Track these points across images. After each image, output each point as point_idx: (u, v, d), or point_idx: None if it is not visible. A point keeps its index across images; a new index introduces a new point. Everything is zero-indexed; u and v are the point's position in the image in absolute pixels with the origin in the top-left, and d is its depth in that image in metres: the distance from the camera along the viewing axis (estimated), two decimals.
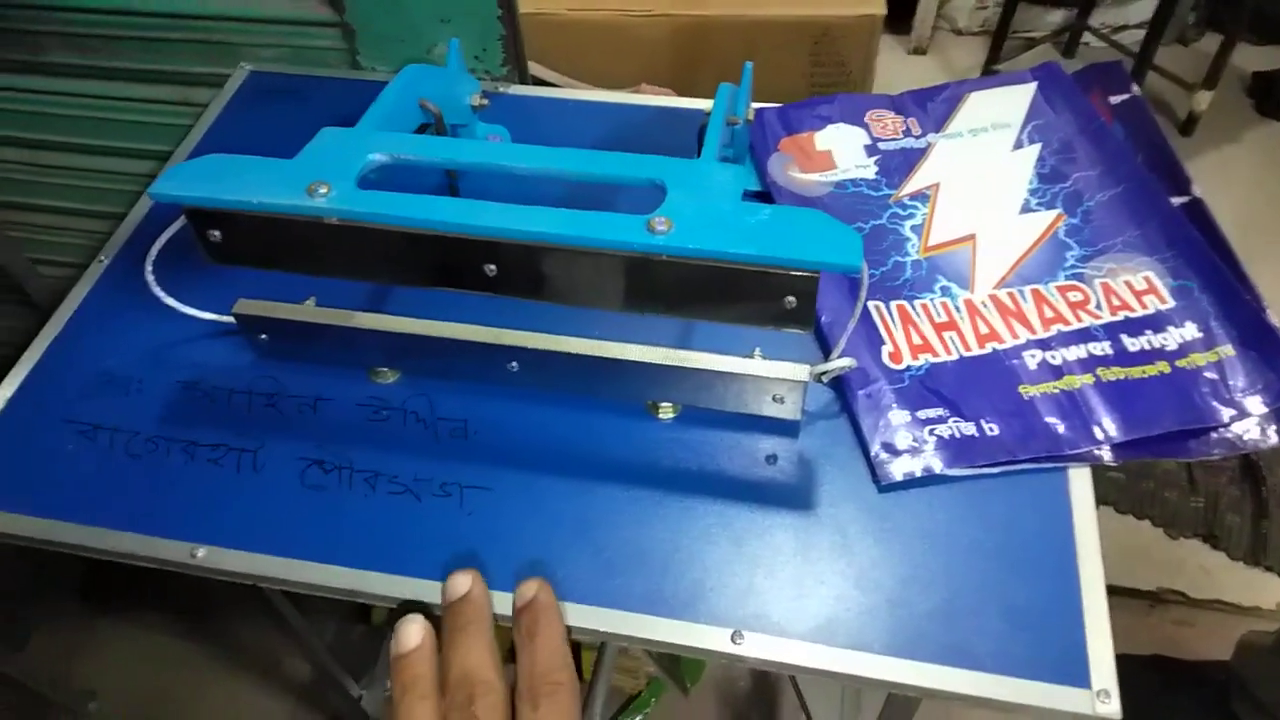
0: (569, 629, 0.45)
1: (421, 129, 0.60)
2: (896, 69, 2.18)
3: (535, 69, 0.81)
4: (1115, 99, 0.65)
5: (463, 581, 0.40)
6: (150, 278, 0.54)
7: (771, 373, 0.49)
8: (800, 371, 0.49)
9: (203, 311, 0.56)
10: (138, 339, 0.58)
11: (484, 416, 0.54)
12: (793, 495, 0.50)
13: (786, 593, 0.46)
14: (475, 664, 0.35)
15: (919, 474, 0.49)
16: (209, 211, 0.47)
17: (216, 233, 0.49)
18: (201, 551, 0.49)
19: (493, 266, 0.47)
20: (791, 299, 0.44)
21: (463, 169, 0.49)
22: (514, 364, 0.52)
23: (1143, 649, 1.17)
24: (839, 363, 0.51)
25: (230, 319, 0.54)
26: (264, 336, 0.55)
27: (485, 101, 0.65)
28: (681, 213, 0.44)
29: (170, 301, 0.55)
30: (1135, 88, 0.65)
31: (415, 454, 0.52)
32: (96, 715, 1.23)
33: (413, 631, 0.38)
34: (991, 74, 1.79)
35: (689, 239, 0.43)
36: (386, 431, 0.53)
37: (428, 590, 0.47)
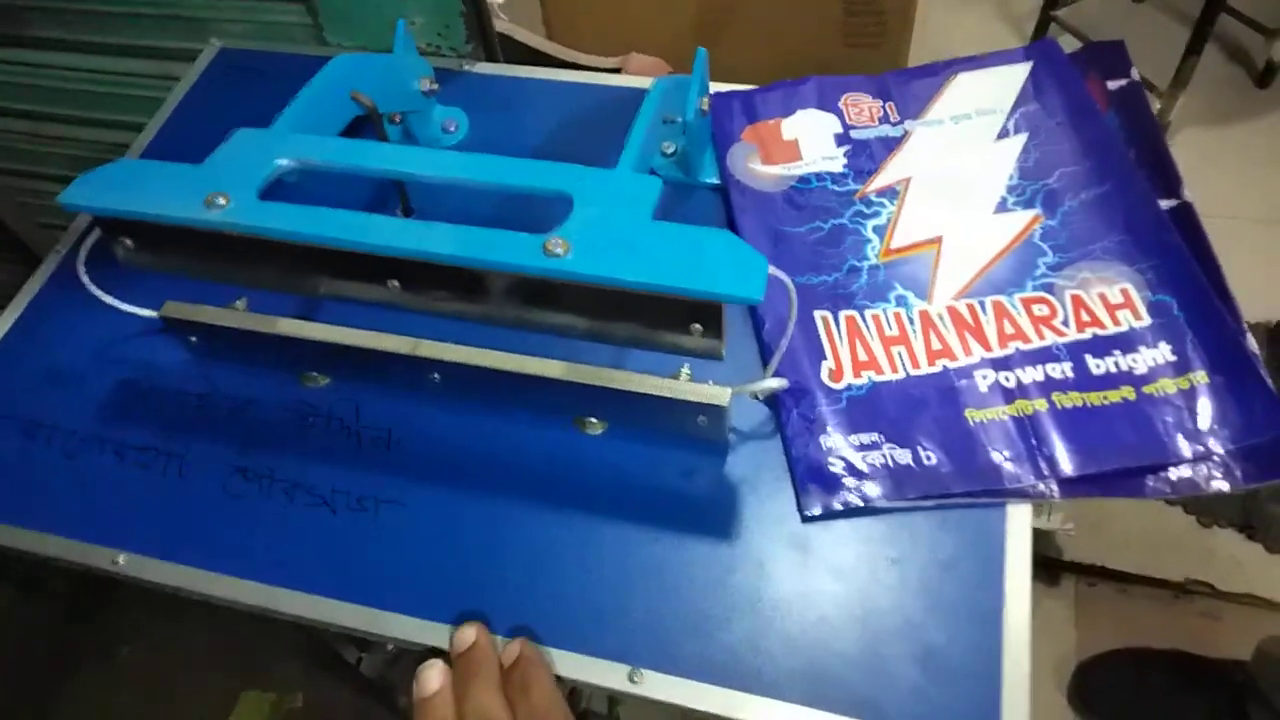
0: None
1: (360, 121, 0.58)
2: (941, 19, 2.05)
3: (511, 29, 0.77)
4: (1114, 84, 0.60)
5: (469, 633, 0.43)
6: (85, 277, 0.54)
7: (692, 395, 0.46)
8: (721, 395, 0.46)
9: (139, 308, 0.55)
10: (85, 334, 0.59)
11: (408, 425, 0.53)
12: (713, 521, 0.48)
13: (693, 627, 0.45)
14: (487, 704, 0.40)
15: (844, 506, 0.47)
16: (114, 220, 0.46)
17: (128, 240, 0.48)
18: (122, 558, 0.50)
19: (395, 282, 0.45)
20: (698, 325, 0.42)
21: (366, 174, 0.47)
22: (436, 375, 0.51)
23: (1164, 642, 1.13)
24: (769, 383, 0.48)
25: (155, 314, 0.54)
26: (193, 339, 0.54)
27: (435, 86, 0.63)
28: (581, 233, 0.42)
29: (109, 300, 0.55)
30: (1136, 72, 0.59)
31: (336, 463, 0.52)
32: (128, 659, 1.29)
33: (433, 676, 0.42)
34: (1048, 20, 1.69)
35: (584, 263, 0.41)
36: (311, 438, 0.53)
37: (336, 611, 0.47)
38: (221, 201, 0.44)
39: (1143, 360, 0.50)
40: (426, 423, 0.53)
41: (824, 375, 0.51)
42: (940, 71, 0.64)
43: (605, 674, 0.44)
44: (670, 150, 0.62)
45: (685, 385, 0.47)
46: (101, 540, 0.50)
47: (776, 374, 0.49)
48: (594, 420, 0.51)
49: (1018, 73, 0.63)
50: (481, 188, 0.46)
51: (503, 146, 0.65)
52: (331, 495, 0.50)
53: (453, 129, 0.66)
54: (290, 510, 0.50)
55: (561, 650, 0.44)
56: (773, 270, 0.41)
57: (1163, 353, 0.50)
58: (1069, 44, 1.68)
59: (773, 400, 0.51)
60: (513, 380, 0.49)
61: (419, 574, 0.47)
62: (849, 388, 0.50)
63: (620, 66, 0.85)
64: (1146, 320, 0.51)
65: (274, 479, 0.51)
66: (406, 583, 0.47)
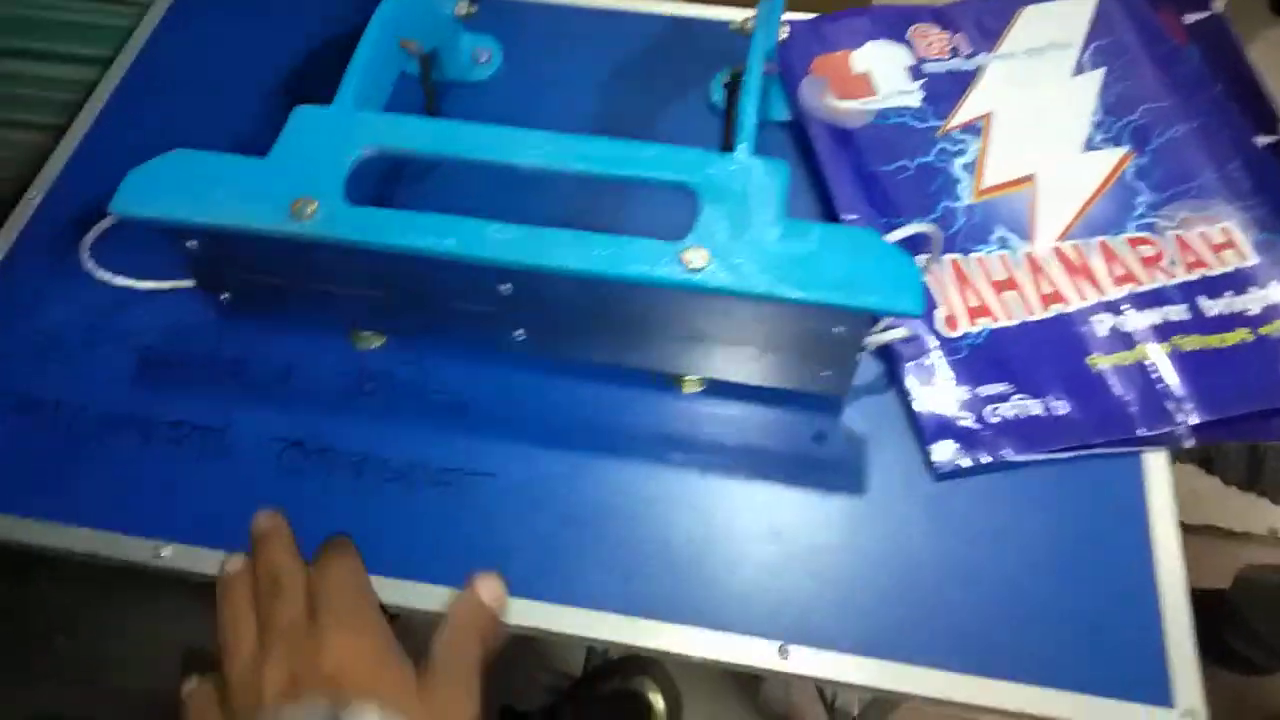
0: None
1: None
2: None
3: None
4: (1190, 18, 0.58)
5: (261, 518, 0.39)
6: (90, 264, 0.46)
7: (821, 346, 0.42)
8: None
9: (145, 281, 0.48)
10: (79, 293, 0.50)
11: (484, 388, 0.47)
12: (838, 484, 0.44)
13: (834, 598, 0.41)
14: (276, 560, 0.36)
15: (981, 463, 0.44)
16: (182, 227, 0.40)
17: (193, 242, 0.42)
18: (167, 550, 0.43)
19: (508, 285, 0.41)
20: (840, 329, 0.39)
21: (461, 162, 0.41)
22: (520, 332, 0.45)
23: None
24: (892, 333, 0.45)
25: (187, 284, 0.47)
26: (225, 296, 0.47)
27: (473, 9, 0.56)
28: (717, 240, 0.38)
29: (120, 281, 0.47)
30: (1217, 3, 0.57)
31: (408, 433, 0.46)
32: (64, 649, 1.19)
33: (235, 560, 0.38)
34: None
35: (727, 278, 0.37)
36: (373, 406, 0.47)
37: (425, 595, 0.42)
38: (310, 210, 0.39)
39: (1256, 300, 0.48)
40: (505, 384, 0.47)
41: (940, 323, 0.48)
42: (1006, 4, 0.61)
43: (751, 650, 0.40)
44: (729, 85, 0.57)
45: None
46: (139, 530, 0.43)
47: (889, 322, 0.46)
48: (693, 378, 0.47)
49: (1086, 5, 0.60)
50: (594, 178, 0.41)
51: (544, 81, 0.59)
52: (408, 469, 0.45)
53: (485, 59, 0.59)
54: (360, 487, 0.44)
55: (702, 629, 0.41)
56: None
57: (1275, 292, 0.48)
58: None
59: (884, 352, 0.47)
60: (611, 333, 0.44)
61: (519, 552, 0.43)
62: (966, 336, 0.47)
63: None
64: (1253, 259, 0.49)
65: (336, 451, 0.45)
66: (506, 562, 0.42)
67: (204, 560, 0.43)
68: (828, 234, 0.38)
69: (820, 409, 0.46)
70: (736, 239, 0.38)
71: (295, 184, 0.40)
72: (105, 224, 0.46)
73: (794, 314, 0.39)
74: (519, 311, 0.43)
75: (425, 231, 0.39)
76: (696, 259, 0.37)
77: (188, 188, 0.40)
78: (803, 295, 0.37)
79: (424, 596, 0.42)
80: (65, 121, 0.60)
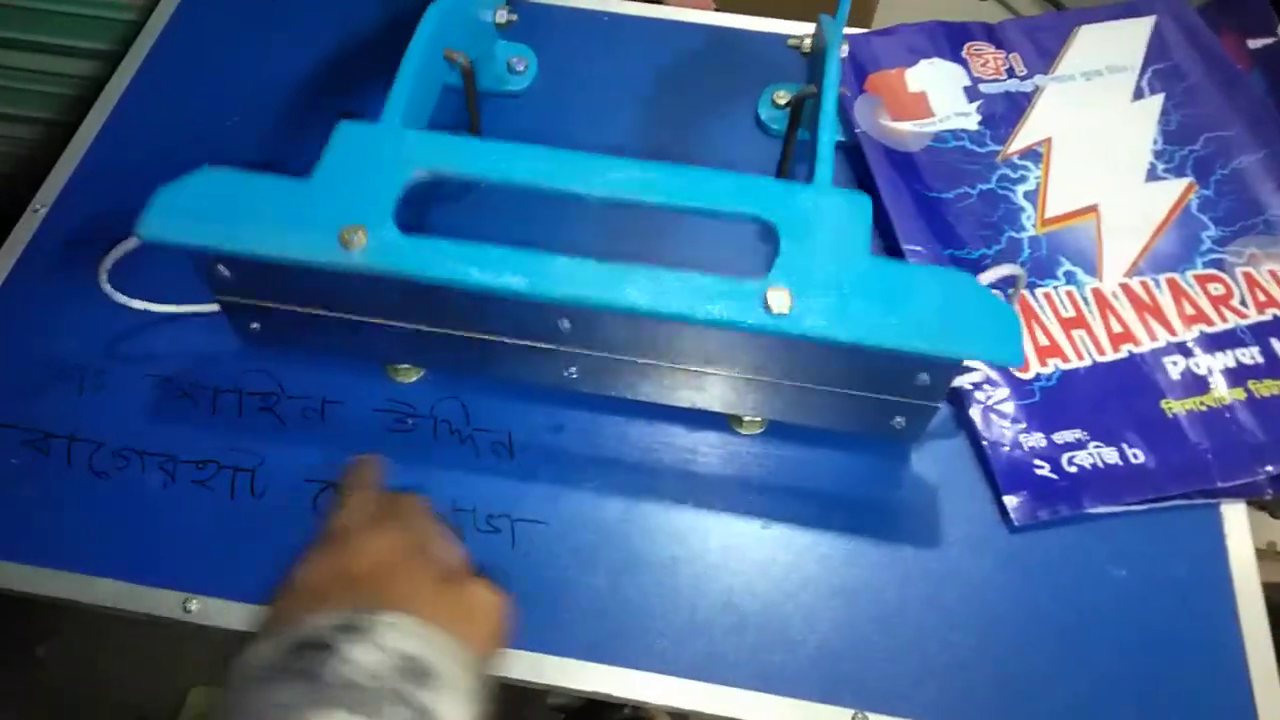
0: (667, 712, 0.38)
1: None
2: None
3: None
4: (1255, 43, 0.56)
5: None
6: (107, 287, 0.43)
7: (900, 393, 0.40)
8: None
9: (166, 305, 0.45)
10: (92, 317, 0.47)
11: (531, 426, 0.45)
12: (910, 535, 0.42)
13: (911, 660, 0.39)
14: (355, 484, 0.38)
15: (1060, 514, 0.42)
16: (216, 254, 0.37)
17: (224, 269, 0.38)
18: (195, 604, 0.40)
19: (567, 323, 0.38)
20: (925, 376, 0.37)
21: (520, 188, 0.39)
22: (573, 370, 0.43)
23: None
24: (962, 377, 0.43)
25: (211, 308, 0.44)
26: (255, 325, 0.44)
27: (513, 17, 0.53)
28: (801, 280, 0.36)
29: (137, 304, 0.44)
30: None
31: (451, 476, 0.43)
32: (46, 659, 1.15)
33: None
34: None
35: (813, 323, 0.35)
36: (413, 445, 0.44)
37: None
38: (360, 239, 0.36)
39: None
40: (552, 423, 0.45)
41: None
42: (1060, 22, 0.59)
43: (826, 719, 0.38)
44: (784, 100, 0.55)
45: None
46: (165, 582, 0.40)
47: None
48: (753, 419, 0.45)
49: (1143, 26, 0.58)
50: (666, 209, 0.38)
51: (580, 91, 0.56)
52: (454, 514, 0.42)
53: (520, 68, 0.56)
54: None
55: (773, 695, 0.38)
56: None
57: None
58: None
59: (952, 394, 0.45)
60: (670, 374, 0.42)
61: (573, 607, 0.40)
62: (1038, 377, 0.45)
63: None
64: None
65: None
66: (559, 618, 0.40)
67: (235, 615, 0.40)
68: (919, 276, 0.36)
69: (887, 453, 0.44)
70: (821, 280, 0.36)
71: (342, 210, 0.37)
72: (128, 245, 0.42)
73: (877, 360, 0.36)
74: (574, 348, 0.40)
75: (489, 266, 0.36)
76: (779, 302, 0.35)
77: (223, 211, 0.37)
78: (896, 344, 0.35)
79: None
80: (60, 116, 0.56)
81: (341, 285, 0.38)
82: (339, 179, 0.38)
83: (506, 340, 0.41)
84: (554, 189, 0.39)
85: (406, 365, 0.46)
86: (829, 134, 0.41)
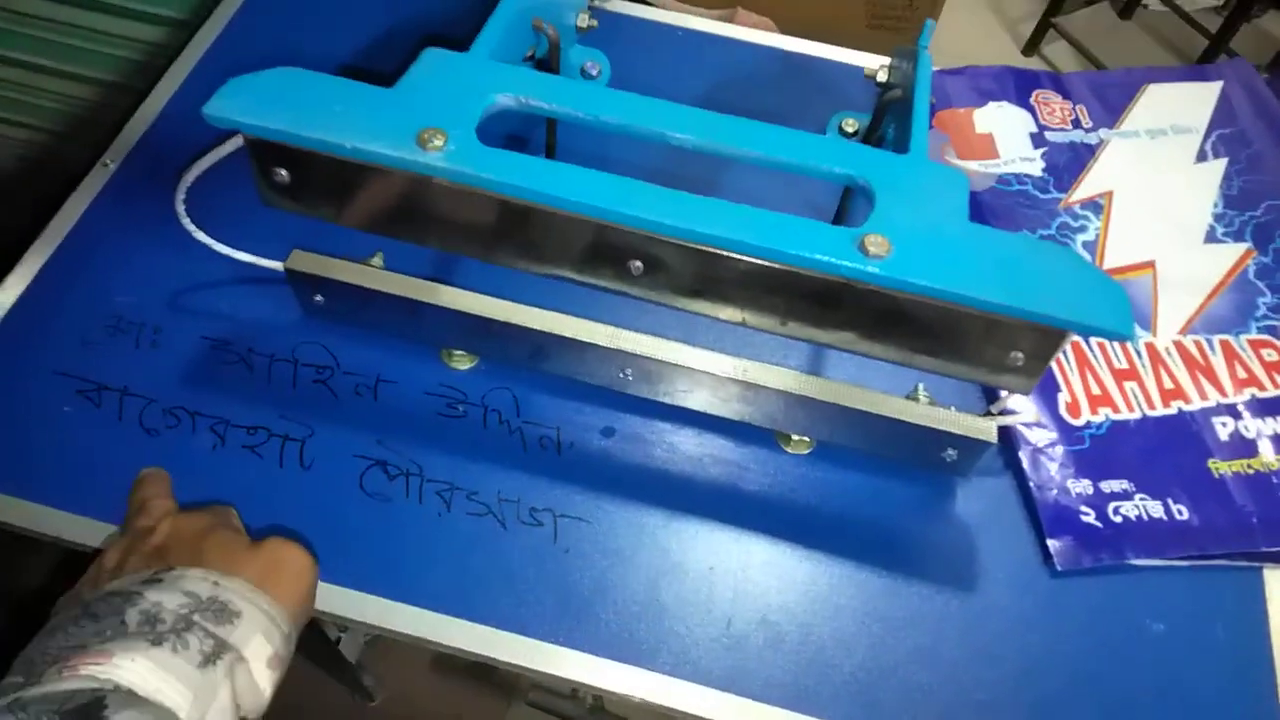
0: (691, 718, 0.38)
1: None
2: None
3: None
4: None
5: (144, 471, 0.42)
6: (181, 208, 0.43)
7: (954, 427, 0.40)
8: (989, 430, 0.40)
9: (243, 253, 0.45)
10: (156, 275, 0.47)
11: (580, 425, 0.45)
12: (953, 571, 0.42)
13: (943, 696, 0.39)
14: (149, 493, 0.40)
15: (1102, 562, 0.42)
16: (280, 146, 0.36)
17: (284, 172, 0.38)
18: None
19: (639, 264, 0.37)
20: (1019, 355, 0.36)
21: (609, 130, 0.39)
22: (627, 372, 0.43)
23: None
24: (1015, 416, 0.43)
25: (278, 266, 0.44)
26: (319, 298, 0.44)
27: (594, 22, 0.54)
28: (899, 231, 0.35)
29: (204, 239, 0.44)
30: None
31: (498, 466, 0.43)
32: None
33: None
34: (1047, 26, 1.68)
35: (912, 269, 0.34)
36: (462, 432, 0.44)
37: (511, 646, 0.39)
38: (439, 142, 0.35)
39: None
40: (602, 424, 0.45)
41: (1061, 409, 0.46)
42: (1128, 80, 0.59)
43: None
44: (852, 129, 0.55)
45: (949, 415, 0.41)
46: None
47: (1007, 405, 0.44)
48: (801, 438, 0.45)
49: (1210, 90, 0.59)
50: (755, 163, 0.38)
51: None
52: (498, 503, 0.42)
53: (595, 73, 0.57)
54: (449, 520, 0.42)
55: (801, 714, 0.38)
56: None
57: None
58: (1062, 52, 1.70)
59: (1001, 433, 0.45)
60: (725, 387, 0.42)
61: (610, 607, 0.40)
62: (1089, 425, 0.46)
63: (726, 18, 0.77)
64: None
65: (424, 478, 0.43)
66: (596, 617, 0.40)
67: None
68: (1020, 241, 0.35)
69: (934, 486, 0.44)
70: (919, 234, 0.34)
71: (422, 117, 0.35)
72: (206, 162, 0.42)
73: (971, 326, 0.34)
74: (643, 290, 0.37)
75: (572, 182, 0.35)
76: (877, 246, 0.34)
77: (295, 103, 0.35)
78: (1004, 300, 0.33)
79: (512, 648, 0.39)
80: (123, 79, 0.57)
81: (409, 201, 0.37)
82: (422, 92, 0.37)
83: (564, 336, 0.42)
84: (644, 131, 0.38)
85: (461, 351, 0.46)
86: (923, 118, 0.41)
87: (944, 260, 0.34)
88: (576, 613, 0.40)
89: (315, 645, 1.03)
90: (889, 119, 0.48)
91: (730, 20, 0.78)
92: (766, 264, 0.35)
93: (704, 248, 0.35)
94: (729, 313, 0.38)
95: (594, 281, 0.38)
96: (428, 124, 0.36)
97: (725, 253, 0.35)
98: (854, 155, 0.38)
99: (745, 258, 0.35)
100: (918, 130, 0.40)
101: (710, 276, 0.37)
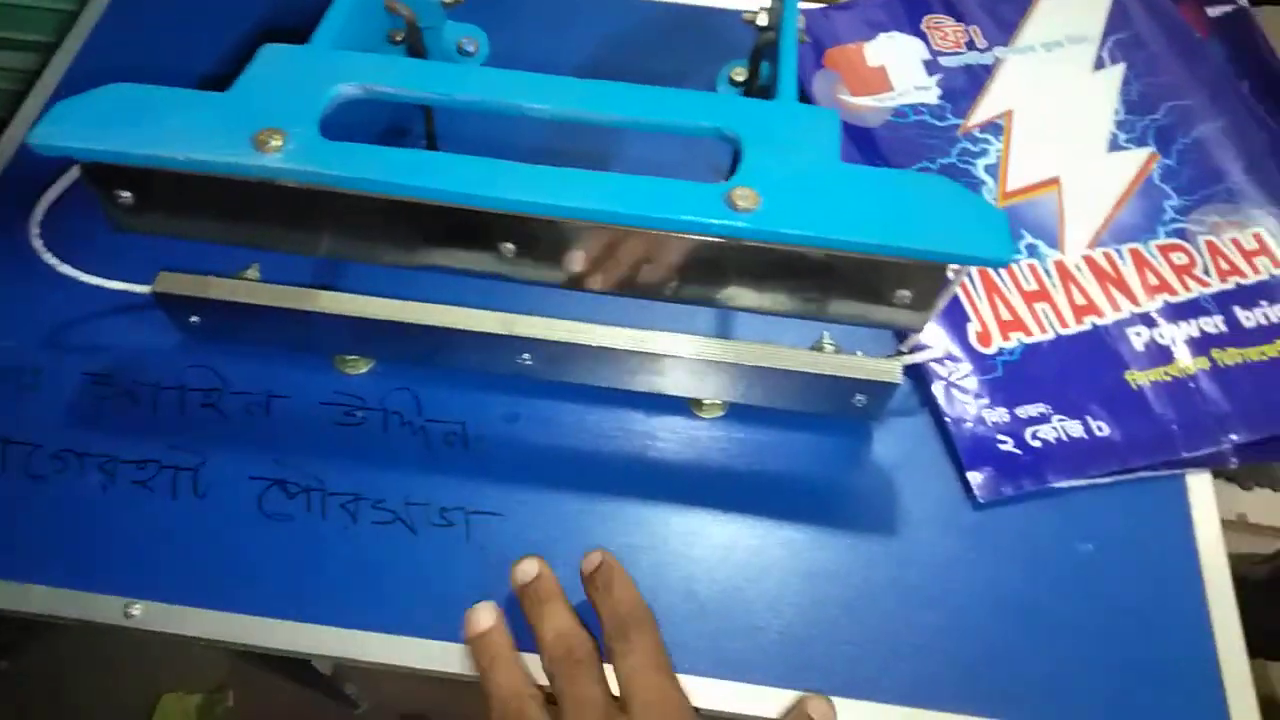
0: None
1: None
2: None
3: None
4: (1214, 10, 0.56)
5: (530, 565, 0.38)
6: (38, 243, 0.41)
7: (858, 373, 0.39)
8: (893, 371, 0.39)
9: (114, 281, 0.43)
10: (27, 314, 0.45)
11: (486, 416, 0.43)
12: (876, 517, 0.41)
13: (880, 643, 0.38)
14: (566, 626, 0.36)
15: (1024, 489, 0.41)
16: (115, 168, 0.34)
17: (127, 194, 0.36)
18: (137, 608, 0.38)
19: (511, 246, 0.36)
20: (905, 293, 0.35)
21: (463, 107, 0.37)
22: (526, 356, 0.42)
23: None
24: (924, 354, 0.42)
25: (144, 288, 0.42)
26: (195, 319, 0.42)
27: None
28: (768, 181, 0.34)
29: (70, 271, 0.42)
30: None
31: (403, 469, 0.42)
32: (9, 672, 1.12)
33: (484, 612, 0.38)
34: None
35: (781, 219, 0.33)
36: (363, 439, 0.43)
37: (440, 655, 0.38)
38: (276, 142, 0.33)
39: None
40: (509, 410, 0.43)
41: (972, 339, 0.45)
42: None
43: (778, 706, 0.37)
44: (740, 78, 0.54)
45: (851, 360, 0.40)
46: (106, 587, 0.39)
47: (917, 341, 0.43)
48: (713, 402, 0.44)
49: None
50: (616, 125, 0.37)
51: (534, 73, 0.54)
52: (406, 508, 0.41)
53: (471, 49, 0.55)
54: (355, 531, 0.40)
55: (733, 681, 0.37)
56: None
57: None
58: None
59: (914, 370, 0.45)
60: (626, 360, 0.41)
61: None
62: (1001, 352, 0.45)
63: None
64: None
65: (326, 492, 0.41)
66: (518, 614, 0.39)
67: (181, 619, 0.38)
68: (896, 179, 0.34)
69: (850, 433, 0.43)
70: (790, 183, 0.33)
71: (261, 118, 0.34)
72: (54, 192, 0.40)
73: (853, 271, 0.34)
74: (521, 269, 0.36)
75: (421, 166, 0.33)
76: (746, 199, 0.32)
77: (127, 121, 0.34)
78: (877, 240, 0.32)
79: (446, 657, 0.38)
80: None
81: (262, 207, 0.35)
82: (259, 92, 0.35)
83: (455, 329, 0.40)
84: (498, 105, 0.37)
85: (355, 356, 0.44)
86: (790, 61, 0.40)
87: (814, 206, 0.33)
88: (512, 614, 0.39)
89: (290, 664, 1.02)
90: (766, 64, 0.46)
91: None
92: (639, 231, 0.34)
93: (572, 222, 0.34)
94: (613, 285, 0.37)
95: (470, 268, 0.37)
96: (265, 124, 0.34)
97: (596, 225, 0.34)
98: (717, 107, 0.37)
99: (616, 227, 0.34)
100: (785, 73, 0.39)
101: (585, 251, 0.35)
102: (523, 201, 0.33)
